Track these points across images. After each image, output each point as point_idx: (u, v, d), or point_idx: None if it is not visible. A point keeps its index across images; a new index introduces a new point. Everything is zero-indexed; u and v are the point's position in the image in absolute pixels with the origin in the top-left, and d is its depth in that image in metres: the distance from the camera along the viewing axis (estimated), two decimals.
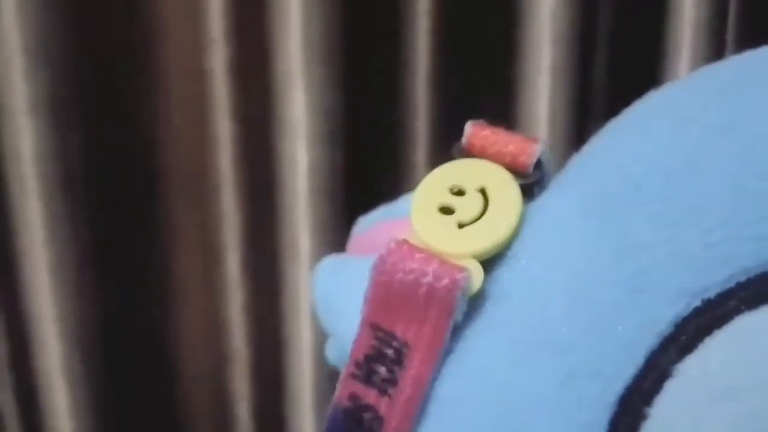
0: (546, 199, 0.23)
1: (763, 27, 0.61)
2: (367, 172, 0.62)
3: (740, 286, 0.19)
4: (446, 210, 0.24)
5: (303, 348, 0.65)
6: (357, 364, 0.23)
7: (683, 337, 0.19)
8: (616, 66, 0.65)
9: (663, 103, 0.24)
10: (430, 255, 0.22)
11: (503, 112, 0.65)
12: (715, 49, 0.64)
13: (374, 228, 0.29)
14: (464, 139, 0.25)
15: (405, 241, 0.22)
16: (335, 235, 0.61)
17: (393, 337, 0.22)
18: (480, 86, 0.65)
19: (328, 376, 0.66)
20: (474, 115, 0.63)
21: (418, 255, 0.22)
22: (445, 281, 0.21)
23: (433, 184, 0.24)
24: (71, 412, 0.65)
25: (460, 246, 0.23)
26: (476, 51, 0.64)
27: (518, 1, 0.63)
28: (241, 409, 0.69)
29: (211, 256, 0.66)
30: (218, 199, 0.65)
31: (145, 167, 0.64)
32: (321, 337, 0.61)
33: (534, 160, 0.24)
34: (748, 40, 0.28)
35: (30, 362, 0.64)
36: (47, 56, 0.59)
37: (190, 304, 0.67)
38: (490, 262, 0.23)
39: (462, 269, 0.22)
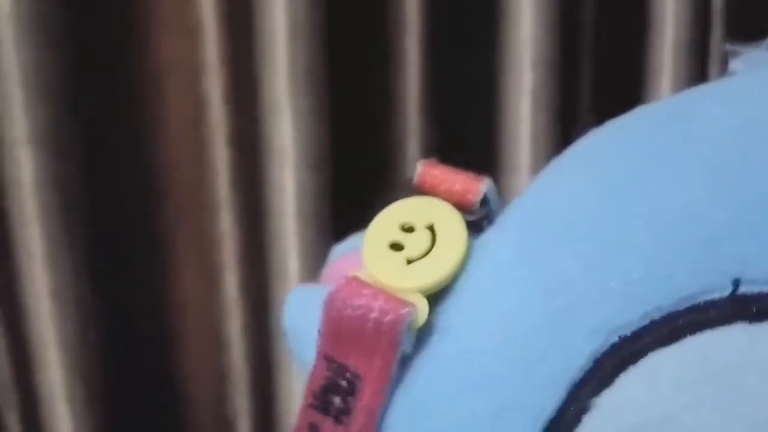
0: (488, 235, 0.25)
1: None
2: (354, 197, 0.63)
3: (653, 324, 0.20)
4: (396, 246, 0.25)
5: (293, 369, 0.66)
6: (314, 395, 0.24)
7: (601, 373, 0.20)
8: (597, 88, 0.66)
9: (596, 144, 0.25)
10: (377, 291, 0.23)
11: (486, 136, 0.66)
12: (696, 72, 0.65)
13: (342, 259, 0.30)
14: (415, 178, 0.26)
15: (355, 278, 0.24)
16: (323, 258, 0.62)
17: (345, 368, 0.23)
18: (468, 110, 0.66)
19: None
20: (456, 140, 0.65)
21: (365, 291, 0.23)
22: (390, 316, 0.23)
23: (384, 222, 0.25)
24: None
25: (407, 281, 0.24)
26: (464, 75, 0.65)
27: (499, 26, 0.64)
28: (242, 425, 0.70)
29: (210, 276, 0.68)
30: (216, 221, 0.66)
31: (144, 191, 0.65)
32: None
33: (479, 197, 0.25)
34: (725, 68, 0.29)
35: (32, 385, 0.65)
36: (46, 88, 0.60)
37: (191, 324, 0.68)
38: (439, 296, 0.24)
39: (407, 304, 0.23)
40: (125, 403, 0.68)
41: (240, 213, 0.66)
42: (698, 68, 0.64)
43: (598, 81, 0.65)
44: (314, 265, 0.63)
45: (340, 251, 0.31)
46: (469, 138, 0.65)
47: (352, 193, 0.63)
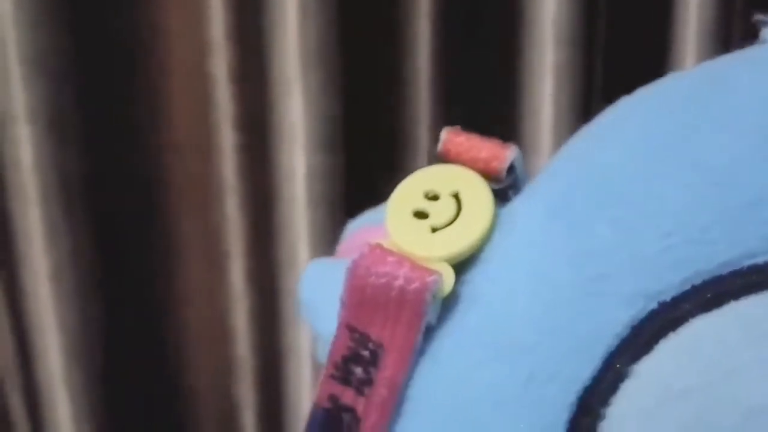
0: (516, 204, 0.24)
1: None
2: (367, 179, 0.63)
3: (695, 290, 0.20)
4: (420, 214, 0.25)
5: (303, 355, 0.66)
6: (335, 365, 0.24)
7: (639, 340, 0.20)
8: (619, 67, 0.66)
9: (629, 109, 0.24)
10: (401, 259, 0.23)
11: (507, 115, 0.66)
12: (720, 51, 0.65)
13: (360, 231, 0.30)
14: (440, 145, 0.26)
15: (378, 246, 0.23)
16: (334, 244, 0.62)
17: (368, 338, 0.23)
18: (482, 90, 0.66)
19: None
20: (476, 119, 0.65)
21: (390, 259, 0.23)
22: (416, 284, 0.22)
23: (408, 189, 0.25)
24: (73, 421, 0.66)
25: (432, 250, 0.24)
26: (478, 54, 0.65)
27: (520, 4, 0.64)
28: (246, 416, 0.70)
29: (215, 264, 0.67)
30: (221, 206, 0.66)
31: (146, 174, 0.65)
32: None
33: (506, 165, 0.25)
34: (752, 43, 0.29)
35: (32, 369, 0.65)
36: (46, 65, 0.60)
37: (194, 311, 0.68)
38: (463, 265, 0.24)
39: (432, 272, 0.23)
40: (126, 392, 0.68)
41: (247, 198, 0.66)
42: (723, 47, 0.64)
43: (622, 61, 0.65)
44: (325, 252, 0.63)
45: (355, 226, 0.31)
46: (489, 118, 0.64)
47: (364, 175, 0.63)
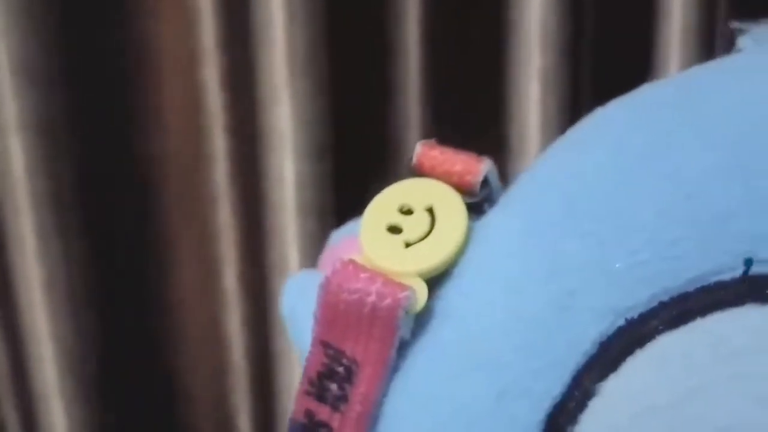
0: (491, 216, 0.24)
1: None
2: (356, 186, 0.63)
3: (662, 306, 0.20)
4: (394, 229, 0.25)
5: (295, 359, 0.66)
6: (310, 382, 0.24)
7: (607, 357, 0.20)
8: (606, 72, 0.66)
9: (603, 121, 0.24)
10: (374, 274, 0.23)
11: (494, 120, 0.65)
12: (705, 53, 0.65)
13: (343, 241, 0.30)
14: (414, 159, 0.26)
15: (351, 261, 0.23)
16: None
17: (342, 354, 0.23)
18: (470, 95, 0.66)
19: None
20: (464, 125, 0.64)
21: (362, 275, 0.23)
22: (388, 300, 0.22)
23: (383, 204, 0.25)
24: (69, 431, 0.66)
25: (406, 265, 0.24)
26: (467, 60, 0.65)
27: (507, 9, 0.64)
28: (242, 420, 0.70)
29: (209, 269, 0.67)
30: (214, 212, 0.66)
31: (138, 182, 0.65)
32: None
33: (480, 178, 0.25)
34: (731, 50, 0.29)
35: (26, 379, 0.65)
36: (37, 74, 0.60)
37: (189, 317, 0.68)
38: (437, 280, 0.24)
39: (405, 288, 0.23)
40: (121, 399, 0.68)
41: (239, 204, 0.65)
42: (707, 50, 0.63)
43: (607, 64, 0.65)
44: (315, 257, 0.62)
45: (339, 236, 0.31)
46: (476, 123, 0.64)
47: (354, 182, 0.63)
